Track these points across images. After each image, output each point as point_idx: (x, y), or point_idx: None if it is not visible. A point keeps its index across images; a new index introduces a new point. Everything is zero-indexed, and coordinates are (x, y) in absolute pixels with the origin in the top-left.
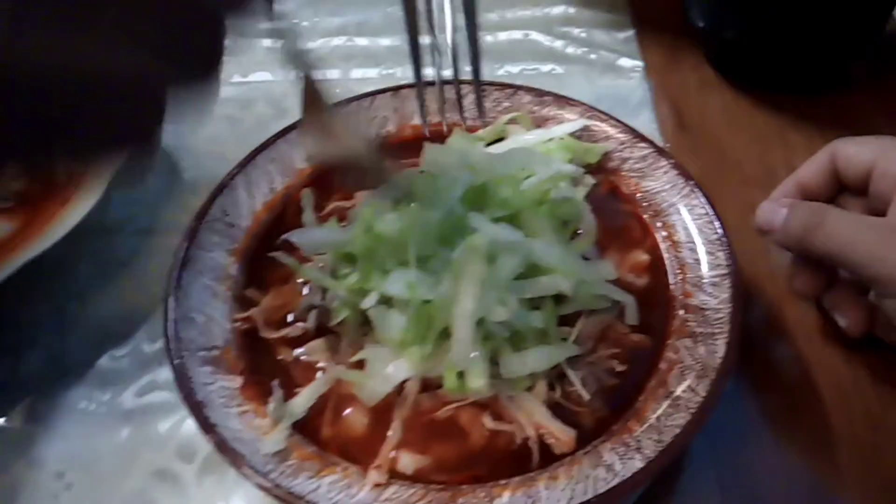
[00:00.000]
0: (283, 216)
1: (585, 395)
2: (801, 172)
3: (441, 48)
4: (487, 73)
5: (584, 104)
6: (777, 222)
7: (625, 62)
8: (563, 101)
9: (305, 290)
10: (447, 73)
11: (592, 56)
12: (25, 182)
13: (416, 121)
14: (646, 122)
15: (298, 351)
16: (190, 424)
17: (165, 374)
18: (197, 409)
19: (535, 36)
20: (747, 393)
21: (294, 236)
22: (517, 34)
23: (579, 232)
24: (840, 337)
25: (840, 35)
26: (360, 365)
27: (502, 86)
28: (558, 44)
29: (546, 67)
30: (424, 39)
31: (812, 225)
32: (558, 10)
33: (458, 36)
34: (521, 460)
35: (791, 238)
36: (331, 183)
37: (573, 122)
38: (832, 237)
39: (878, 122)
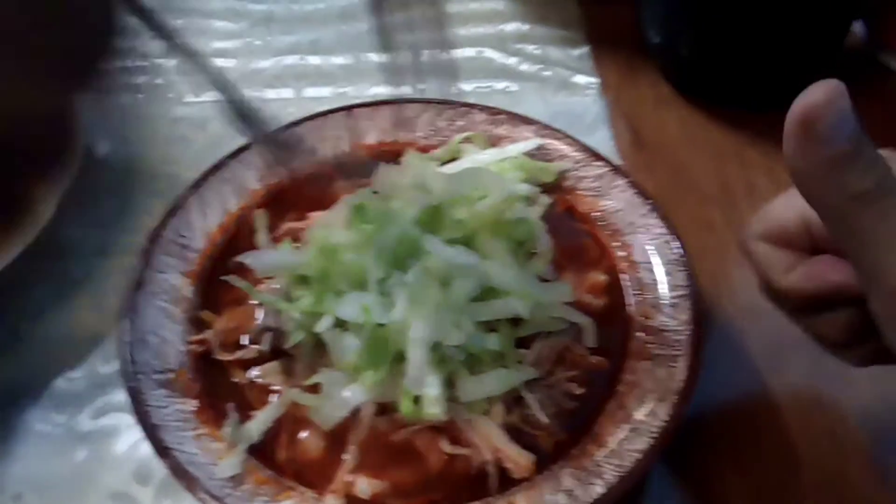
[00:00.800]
0: (237, 237)
1: (543, 419)
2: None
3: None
4: (441, 91)
5: (538, 122)
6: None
7: (580, 79)
8: (518, 119)
9: (260, 313)
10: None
11: (547, 73)
12: None
13: (370, 140)
14: (602, 140)
15: (253, 373)
16: (147, 447)
17: (121, 395)
18: (152, 432)
19: (488, 53)
20: (708, 415)
21: (247, 258)
22: (470, 51)
23: (535, 252)
24: (802, 357)
25: (798, 51)
26: (315, 388)
27: (455, 104)
28: (512, 61)
29: (500, 85)
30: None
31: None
32: (512, 26)
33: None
34: (478, 485)
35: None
36: (285, 204)
37: (528, 140)
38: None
39: None
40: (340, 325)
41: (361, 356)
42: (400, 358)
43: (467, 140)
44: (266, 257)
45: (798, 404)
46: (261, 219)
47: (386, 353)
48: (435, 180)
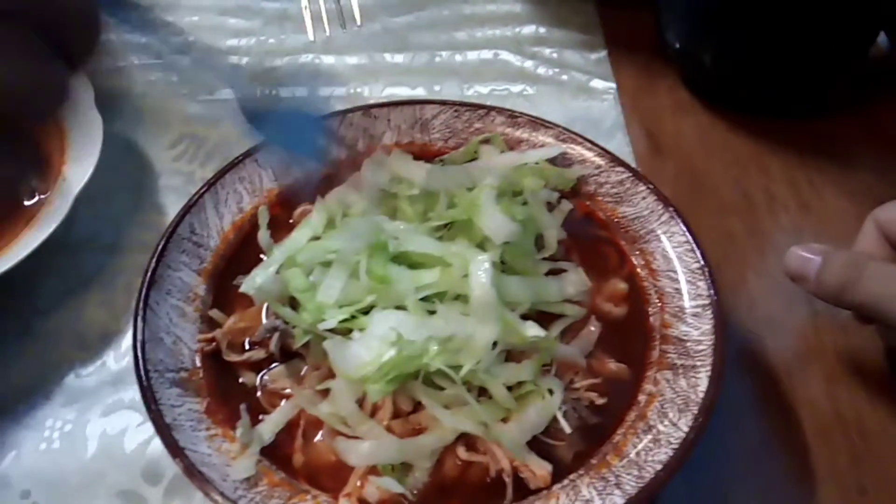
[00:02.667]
0: (251, 236)
1: (567, 429)
2: (860, 247)
3: None
4: (457, 93)
5: (559, 126)
6: (810, 272)
7: (597, 84)
8: (538, 123)
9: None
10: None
11: (564, 77)
12: None
13: (387, 140)
14: (619, 146)
15: (263, 376)
16: (156, 446)
17: (132, 393)
18: (165, 432)
19: (505, 56)
20: (726, 427)
21: (243, 285)
22: (487, 53)
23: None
24: (821, 370)
25: (822, 61)
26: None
27: (474, 106)
28: (529, 64)
29: (517, 88)
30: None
31: (850, 278)
32: (529, 29)
33: None
34: (493, 494)
35: (827, 291)
36: (298, 202)
37: (550, 147)
38: (871, 291)
39: (858, 148)
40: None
41: (382, 370)
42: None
43: (486, 142)
44: (259, 280)
45: (817, 418)
46: (263, 216)
47: (400, 370)
48: (417, 175)
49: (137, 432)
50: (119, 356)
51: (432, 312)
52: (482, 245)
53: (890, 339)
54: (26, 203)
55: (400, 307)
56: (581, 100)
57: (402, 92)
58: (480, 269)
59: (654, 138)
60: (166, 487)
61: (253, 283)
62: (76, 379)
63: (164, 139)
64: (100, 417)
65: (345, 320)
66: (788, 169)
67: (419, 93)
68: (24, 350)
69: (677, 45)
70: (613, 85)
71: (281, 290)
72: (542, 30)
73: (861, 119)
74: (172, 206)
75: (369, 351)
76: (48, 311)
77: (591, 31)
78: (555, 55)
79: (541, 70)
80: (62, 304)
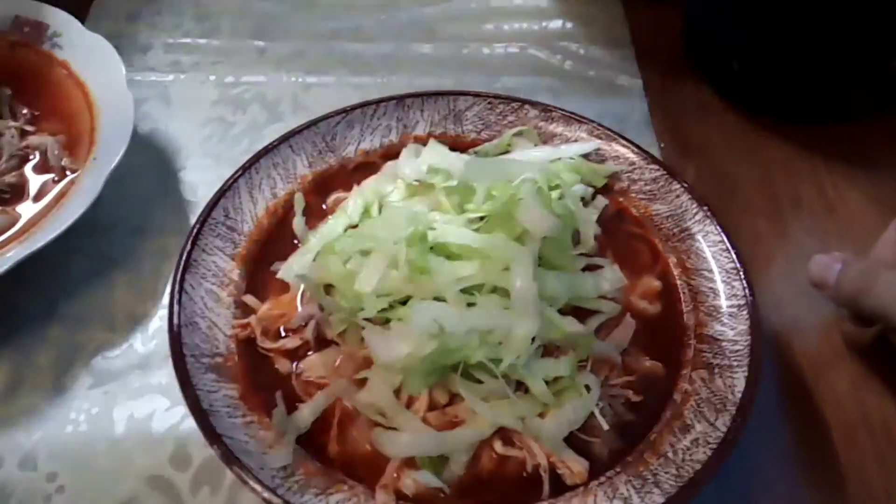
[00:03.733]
0: (285, 222)
1: (605, 426)
2: (879, 252)
3: None
4: (485, 85)
5: (592, 122)
6: (830, 279)
7: (624, 80)
8: (572, 117)
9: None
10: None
11: (591, 73)
12: (20, 175)
13: (420, 131)
14: (646, 143)
15: (297, 364)
16: (184, 430)
17: (159, 376)
18: (203, 417)
19: (532, 50)
20: (754, 429)
21: (280, 271)
22: (514, 47)
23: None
24: (847, 374)
25: (846, 65)
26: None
27: (508, 99)
28: (556, 58)
29: (544, 82)
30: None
31: (864, 285)
32: (556, 24)
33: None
34: (530, 489)
35: (843, 296)
36: (332, 185)
37: (586, 142)
38: (883, 298)
39: (884, 153)
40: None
41: (423, 362)
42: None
43: (519, 135)
44: (295, 266)
45: (843, 422)
46: (300, 203)
47: (438, 363)
48: (455, 165)
49: (166, 417)
50: (146, 339)
51: (469, 304)
52: (520, 239)
53: None
54: (57, 181)
55: (437, 298)
56: (607, 96)
57: (430, 82)
58: (523, 264)
59: (679, 137)
60: (194, 474)
61: (290, 269)
62: (103, 361)
63: (193, 122)
64: (127, 400)
65: (383, 310)
66: (814, 172)
67: (446, 83)
68: (52, 331)
69: (704, 47)
70: (640, 82)
71: (318, 277)
72: (568, 25)
73: (886, 125)
74: (200, 189)
75: (410, 342)
76: (76, 293)
77: (618, 28)
78: (581, 51)
79: (567, 65)
80: (90, 285)
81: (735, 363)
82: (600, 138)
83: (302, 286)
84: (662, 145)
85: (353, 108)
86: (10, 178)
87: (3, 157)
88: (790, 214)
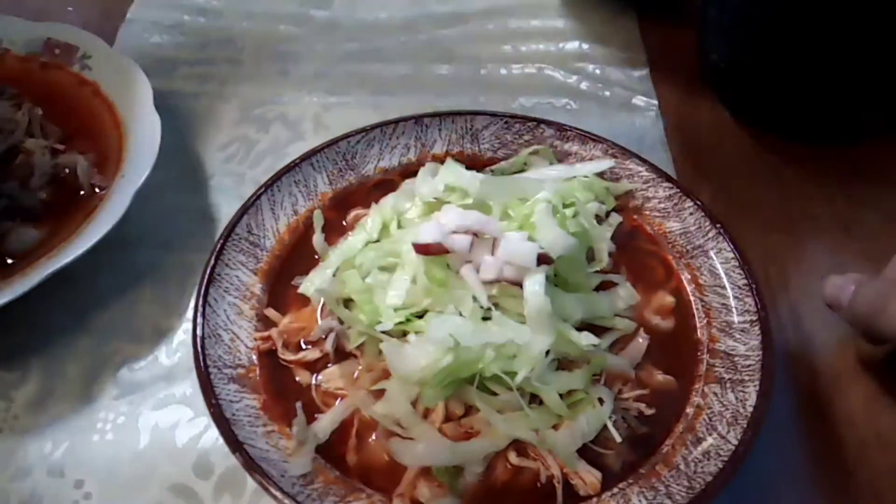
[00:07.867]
0: (305, 238)
1: (618, 438)
2: (892, 273)
3: None
4: (501, 105)
5: (607, 141)
6: (844, 299)
7: (639, 100)
8: (587, 136)
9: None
10: None
11: (607, 93)
12: (51, 192)
13: (438, 149)
14: (661, 162)
15: (317, 376)
16: (207, 440)
17: (183, 387)
18: (225, 426)
19: (549, 71)
20: (768, 444)
21: (302, 286)
22: (531, 68)
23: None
24: (861, 390)
25: (860, 87)
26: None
27: (524, 118)
28: (573, 79)
29: (560, 102)
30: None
31: (878, 306)
32: (572, 45)
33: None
34: (543, 499)
35: (857, 317)
36: (352, 206)
37: (600, 161)
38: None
39: None
40: (399, 334)
41: (439, 375)
42: (471, 379)
43: (535, 153)
44: (316, 281)
45: (858, 438)
46: (318, 219)
47: (455, 374)
48: (470, 184)
49: (189, 427)
50: (171, 351)
51: (485, 318)
52: None
53: None
54: (86, 198)
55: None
56: (623, 116)
57: (448, 102)
58: (534, 281)
59: (694, 156)
60: (216, 482)
61: (311, 284)
62: (129, 373)
63: (217, 140)
64: (152, 411)
65: (400, 323)
66: (829, 192)
67: (464, 103)
68: (79, 343)
69: (718, 70)
70: (655, 102)
71: (338, 291)
72: (585, 46)
73: None
74: (224, 207)
75: (427, 355)
76: (103, 306)
77: (634, 49)
78: (598, 71)
79: (584, 85)
80: (117, 299)
81: (747, 377)
82: (615, 157)
83: (322, 300)
84: (674, 165)
85: (373, 127)
86: (41, 194)
87: (35, 175)
88: (806, 233)
